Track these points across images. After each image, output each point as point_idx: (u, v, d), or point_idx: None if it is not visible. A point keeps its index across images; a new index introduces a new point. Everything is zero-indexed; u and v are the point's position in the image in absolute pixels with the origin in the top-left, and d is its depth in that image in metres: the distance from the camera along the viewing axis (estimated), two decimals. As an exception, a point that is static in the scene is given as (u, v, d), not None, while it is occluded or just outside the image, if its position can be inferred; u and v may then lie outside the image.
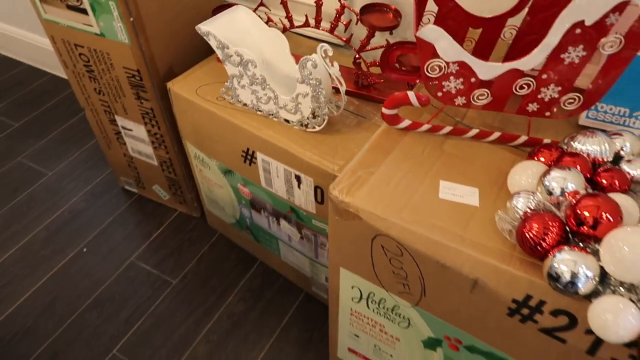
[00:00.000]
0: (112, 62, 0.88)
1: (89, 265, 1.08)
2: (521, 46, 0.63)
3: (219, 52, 0.75)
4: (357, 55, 0.79)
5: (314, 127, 0.76)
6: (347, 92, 0.82)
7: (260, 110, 0.79)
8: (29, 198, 1.22)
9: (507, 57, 0.65)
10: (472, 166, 0.57)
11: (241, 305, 1.01)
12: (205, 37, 0.75)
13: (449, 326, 0.56)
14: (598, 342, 0.45)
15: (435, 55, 0.51)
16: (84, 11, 0.82)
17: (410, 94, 0.55)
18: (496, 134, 0.59)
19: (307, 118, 0.75)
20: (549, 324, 0.46)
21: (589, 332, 0.45)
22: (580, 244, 0.44)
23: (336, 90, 0.80)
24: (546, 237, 0.45)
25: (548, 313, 0.46)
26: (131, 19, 0.79)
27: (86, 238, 1.13)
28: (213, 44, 0.74)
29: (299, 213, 0.83)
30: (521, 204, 0.49)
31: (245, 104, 0.80)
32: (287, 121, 0.77)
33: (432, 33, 0.50)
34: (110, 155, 1.15)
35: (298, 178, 0.76)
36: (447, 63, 0.52)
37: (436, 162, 0.57)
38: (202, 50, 0.92)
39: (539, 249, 0.45)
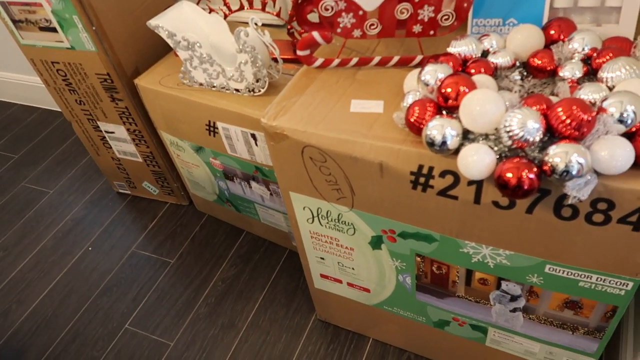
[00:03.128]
0: (85, 71, 1.01)
1: (95, 261, 1.20)
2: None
3: (169, 42, 0.88)
4: (289, 27, 0.92)
5: (259, 91, 0.88)
6: (288, 60, 0.95)
7: (213, 86, 0.92)
8: (36, 214, 1.35)
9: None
10: (379, 87, 0.69)
11: (232, 271, 1.13)
12: (156, 31, 0.88)
13: (381, 219, 0.68)
14: (479, 191, 0.56)
15: (324, -4, 0.64)
16: (54, 30, 0.96)
17: (315, 34, 0.67)
18: (396, 58, 0.71)
19: (252, 83, 0.87)
20: (441, 186, 0.58)
21: (470, 183, 0.56)
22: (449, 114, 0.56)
23: (275, 60, 0.92)
24: (425, 116, 0.57)
25: (438, 176, 0.57)
26: (94, 28, 0.92)
27: (90, 239, 1.26)
28: (163, 34, 0.88)
29: (263, 170, 0.95)
30: (410, 99, 0.61)
31: (200, 84, 0.93)
32: (237, 90, 0.90)
33: (318, -21, 0.62)
34: (101, 161, 1.28)
35: (254, 136, 0.89)
36: (336, 1, 0.64)
37: (348, 88, 0.69)
38: (161, 49, 1.05)
39: (422, 127, 0.57)
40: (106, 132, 1.16)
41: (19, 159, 1.55)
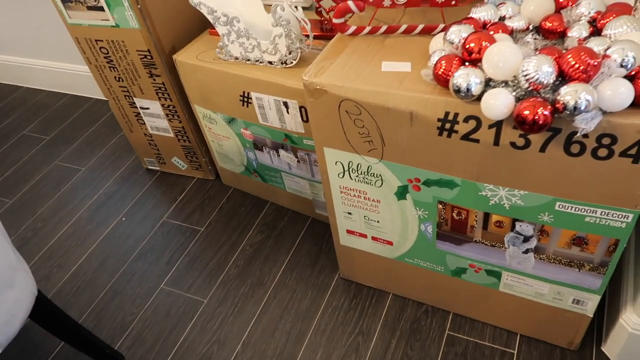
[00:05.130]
0: (127, 48, 1.10)
1: (129, 229, 1.28)
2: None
3: (209, 18, 0.97)
4: (317, 5, 1.01)
5: (292, 62, 0.97)
6: (315, 36, 1.03)
7: (248, 60, 1.00)
8: (70, 189, 1.43)
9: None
10: (406, 51, 0.77)
11: (259, 237, 1.21)
12: (197, 7, 0.96)
13: (408, 168, 0.76)
14: (498, 133, 0.64)
15: (360, -32, 0.72)
16: (101, 9, 1.04)
17: (350, 3, 0.75)
18: (421, 26, 0.79)
19: (285, 55, 0.96)
20: (464, 130, 0.66)
21: (491, 126, 0.64)
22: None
23: (306, 37, 1.01)
24: (451, 68, 0.65)
25: (462, 121, 0.65)
26: (139, 6, 1.01)
27: (122, 210, 1.34)
28: (204, 11, 0.96)
29: (292, 137, 1.03)
30: (436, 57, 0.69)
31: (236, 57, 1.01)
32: (271, 63, 0.98)
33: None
34: (133, 138, 1.36)
35: (285, 104, 0.97)
36: (370, -27, 0.73)
37: (378, 52, 0.77)
38: (196, 27, 1.14)
39: (448, 79, 0.65)
40: (141, 108, 1.24)
41: (51, 140, 1.63)
